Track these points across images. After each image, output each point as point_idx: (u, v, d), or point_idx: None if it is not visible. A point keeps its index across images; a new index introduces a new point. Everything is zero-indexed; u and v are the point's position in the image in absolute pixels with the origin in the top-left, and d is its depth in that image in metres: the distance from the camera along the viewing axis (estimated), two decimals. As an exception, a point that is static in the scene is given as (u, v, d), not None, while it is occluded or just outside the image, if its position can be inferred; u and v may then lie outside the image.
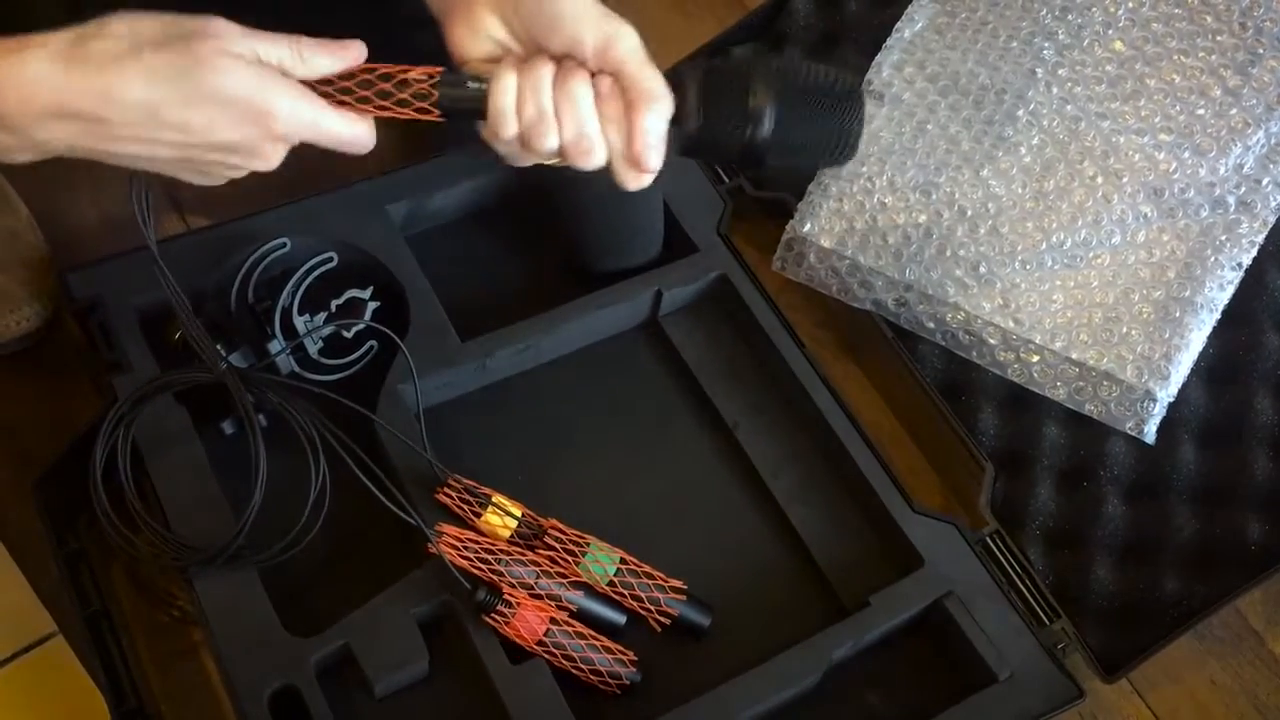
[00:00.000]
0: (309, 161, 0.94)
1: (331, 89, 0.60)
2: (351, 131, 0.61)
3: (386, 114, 0.61)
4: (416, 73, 0.61)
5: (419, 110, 0.61)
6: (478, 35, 0.64)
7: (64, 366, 0.83)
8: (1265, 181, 0.80)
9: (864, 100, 0.65)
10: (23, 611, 0.75)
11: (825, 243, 0.87)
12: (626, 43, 0.60)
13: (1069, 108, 0.84)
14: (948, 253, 0.84)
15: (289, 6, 0.98)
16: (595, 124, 0.61)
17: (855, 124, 0.64)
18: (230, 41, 0.57)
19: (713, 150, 0.66)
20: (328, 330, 0.78)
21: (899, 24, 0.90)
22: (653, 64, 0.61)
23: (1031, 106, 0.85)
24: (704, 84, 0.62)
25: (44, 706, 0.73)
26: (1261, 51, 0.82)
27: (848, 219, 0.87)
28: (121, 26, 0.56)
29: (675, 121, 0.63)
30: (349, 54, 0.60)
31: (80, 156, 0.59)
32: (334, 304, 0.79)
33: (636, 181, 0.63)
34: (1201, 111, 0.82)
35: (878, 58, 0.89)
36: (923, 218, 0.85)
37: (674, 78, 0.62)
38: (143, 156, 0.59)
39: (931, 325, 0.84)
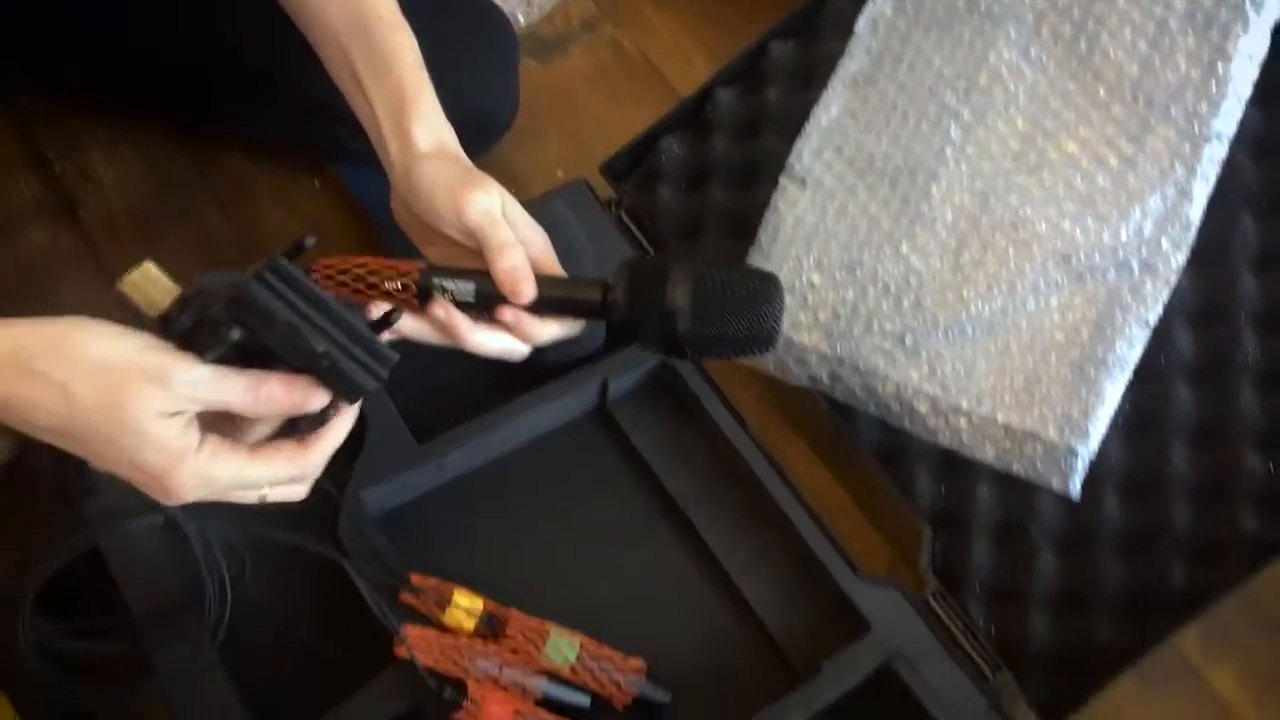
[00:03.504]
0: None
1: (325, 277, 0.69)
2: (291, 471, 0.64)
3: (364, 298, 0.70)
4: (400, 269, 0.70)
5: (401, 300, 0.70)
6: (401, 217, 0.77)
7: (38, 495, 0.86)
8: (1164, 243, 0.85)
9: (780, 297, 0.73)
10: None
11: (760, 323, 0.91)
12: (473, 210, 0.71)
13: (978, 183, 0.89)
14: (875, 327, 0.88)
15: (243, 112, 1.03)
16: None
17: (770, 320, 0.72)
18: (169, 400, 0.58)
19: (639, 339, 0.74)
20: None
21: (815, 110, 0.95)
22: (500, 221, 0.71)
23: (944, 184, 0.90)
24: (630, 281, 0.72)
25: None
26: (1152, 121, 0.87)
27: (779, 299, 0.91)
28: (73, 343, 0.59)
29: (604, 313, 0.72)
30: (310, 402, 0.62)
31: None
32: None
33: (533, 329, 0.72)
34: (1101, 180, 0.87)
35: (797, 143, 0.94)
36: (850, 295, 0.90)
37: (604, 277, 0.73)
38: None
39: (864, 396, 0.89)
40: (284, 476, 0.64)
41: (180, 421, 0.59)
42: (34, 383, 0.58)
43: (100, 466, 0.61)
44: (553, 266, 0.74)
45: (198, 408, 0.60)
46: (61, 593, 0.78)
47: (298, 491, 0.67)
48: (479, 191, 0.71)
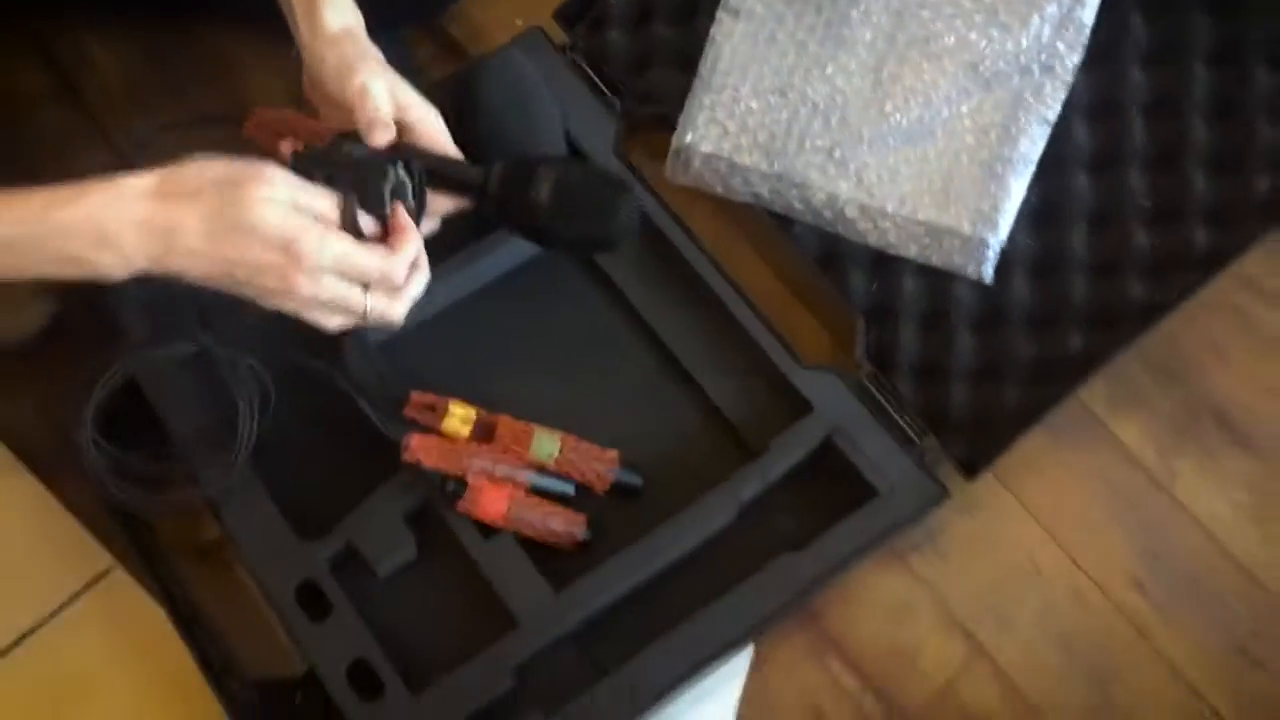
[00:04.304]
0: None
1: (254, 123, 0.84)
2: (382, 266, 0.78)
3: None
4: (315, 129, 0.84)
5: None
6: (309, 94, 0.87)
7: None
8: (1061, 46, 0.94)
9: (634, 206, 0.85)
10: (84, 551, 0.92)
11: (705, 148, 1.01)
12: (349, 88, 0.81)
13: (893, 3, 0.97)
14: (807, 144, 0.98)
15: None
16: None
17: (623, 224, 0.84)
18: (273, 188, 0.74)
19: (507, 224, 0.87)
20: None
21: (745, -55, 1.02)
22: (370, 98, 0.80)
23: (862, 6, 0.98)
24: (503, 172, 0.82)
25: (120, 625, 0.91)
26: (1049, -69, 0.95)
27: (721, 125, 1.00)
28: (195, 168, 0.75)
29: (480, 194, 0.83)
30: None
31: (160, 274, 0.76)
32: None
33: None
34: (1004, -9, 0.95)
35: (730, -22, 1.02)
36: (783, 116, 0.99)
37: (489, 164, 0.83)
38: (203, 274, 0.76)
39: (801, 207, 0.99)
40: (376, 267, 0.78)
41: (291, 205, 0.75)
42: (175, 202, 0.74)
43: (238, 267, 0.75)
44: (447, 146, 0.85)
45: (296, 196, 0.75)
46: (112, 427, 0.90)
47: (395, 310, 0.81)
48: (361, 75, 0.81)
